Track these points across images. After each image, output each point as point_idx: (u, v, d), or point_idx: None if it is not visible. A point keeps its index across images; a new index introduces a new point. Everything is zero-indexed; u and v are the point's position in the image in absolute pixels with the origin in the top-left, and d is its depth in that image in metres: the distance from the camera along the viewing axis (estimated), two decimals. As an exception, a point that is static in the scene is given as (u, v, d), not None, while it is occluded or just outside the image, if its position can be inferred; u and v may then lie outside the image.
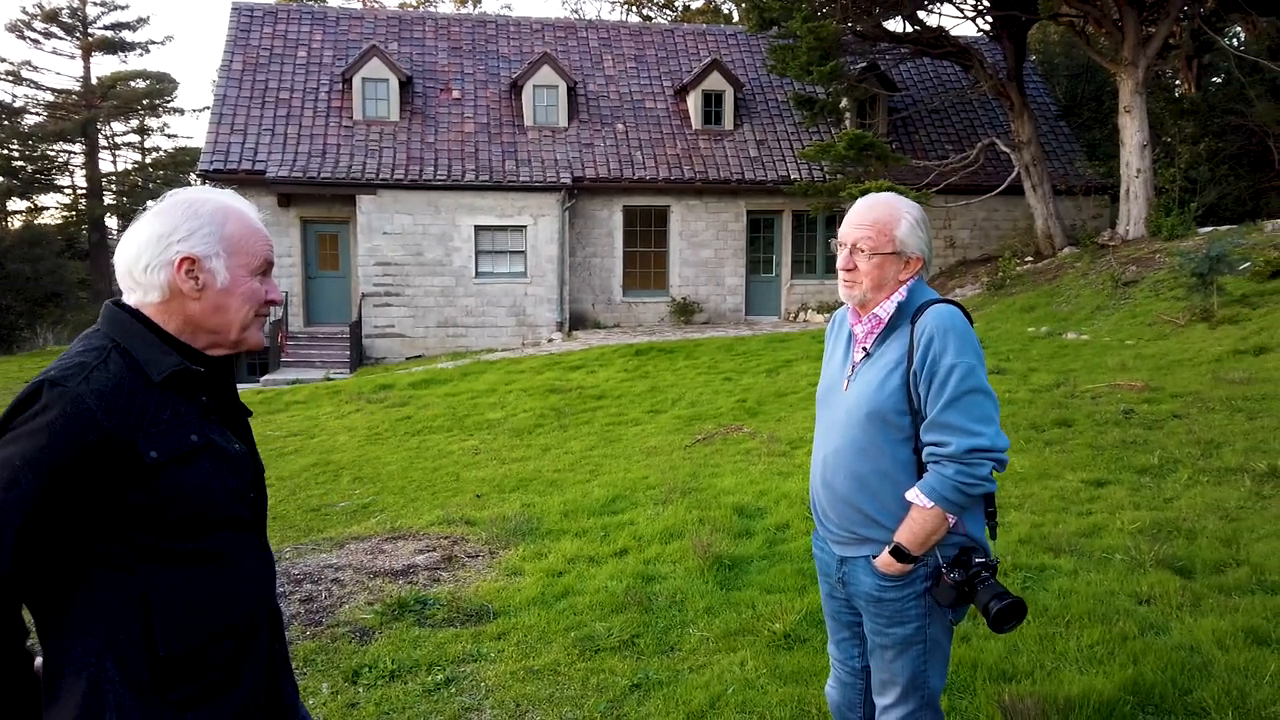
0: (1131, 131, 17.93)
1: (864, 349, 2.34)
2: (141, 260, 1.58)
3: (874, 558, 2.29)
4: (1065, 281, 16.07)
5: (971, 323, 2.29)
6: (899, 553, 2.23)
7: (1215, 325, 10.76)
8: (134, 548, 1.50)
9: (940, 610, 2.29)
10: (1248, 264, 12.69)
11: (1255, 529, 4.70)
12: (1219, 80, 26.01)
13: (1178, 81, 26.59)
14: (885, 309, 2.31)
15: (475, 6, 39.40)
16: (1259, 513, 4.97)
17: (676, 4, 37.56)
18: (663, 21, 34.44)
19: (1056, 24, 21.97)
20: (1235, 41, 24.82)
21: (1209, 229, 16.46)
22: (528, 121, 21.06)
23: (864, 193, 17.25)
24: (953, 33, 20.77)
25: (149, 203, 1.65)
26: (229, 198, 1.67)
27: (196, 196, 1.64)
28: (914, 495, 2.21)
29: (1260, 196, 21.76)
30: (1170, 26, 18.28)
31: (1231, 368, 8.56)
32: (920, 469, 2.24)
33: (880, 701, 2.39)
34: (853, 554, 2.35)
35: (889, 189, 17.24)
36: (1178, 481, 5.67)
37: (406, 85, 21.09)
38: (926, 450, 2.21)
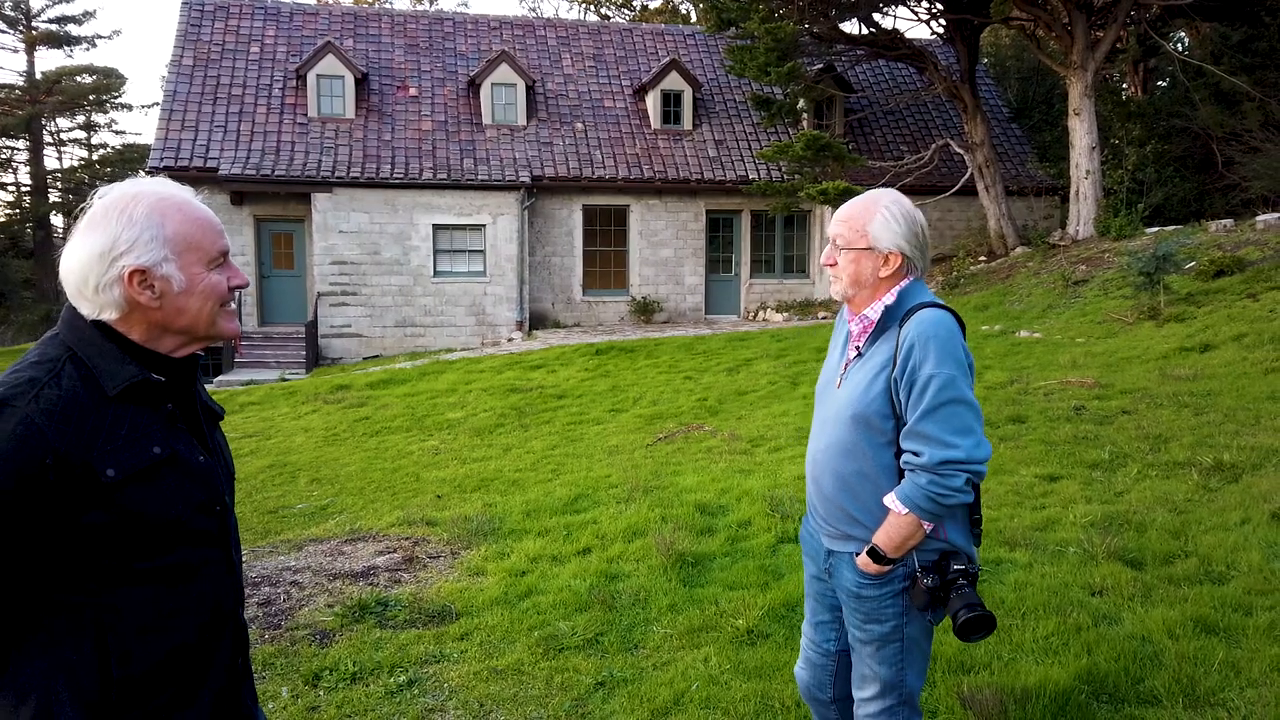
0: (1080, 134, 18.31)
1: (857, 348, 2.35)
2: (89, 282, 1.48)
3: (856, 555, 2.33)
4: (1017, 281, 16.36)
5: (964, 327, 2.27)
6: (875, 554, 2.26)
7: (1162, 323, 11.03)
8: (90, 567, 1.44)
9: (919, 611, 2.31)
10: (1193, 263, 13.02)
11: (1202, 521, 4.83)
12: (1165, 84, 26.65)
13: (1125, 85, 27.19)
14: (875, 310, 2.30)
15: (432, 3, 39.06)
16: (1206, 505, 5.10)
17: (635, 3, 37.56)
18: (621, 21, 34.43)
19: (1008, 28, 22.36)
20: (1180, 46, 25.44)
21: (1155, 229, 16.85)
22: (486, 120, 20.94)
23: (821, 193, 17.52)
24: (907, 35, 21.03)
25: (93, 197, 1.54)
26: (162, 188, 1.55)
27: (127, 196, 1.52)
28: (890, 500, 2.24)
29: (1204, 198, 22.33)
30: (1117, 31, 18.68)
31: (1178, 365, 8.77)
32: (901, 474, 2.26)
33: (858, 695, 2.43)
34: (838, 548, 2.40)
35: (846, 189, 17.42)
36: (1128, 476, 5.80)
37: (362, 82, 20.85)
38: (904, 458, 2.23)
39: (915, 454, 2.19)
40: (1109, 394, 7.90)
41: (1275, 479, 5.28)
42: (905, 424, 2.21)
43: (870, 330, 2.31)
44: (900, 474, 2.25)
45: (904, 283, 2.30)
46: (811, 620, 2.59)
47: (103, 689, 1.45)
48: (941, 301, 2.29)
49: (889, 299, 2.29)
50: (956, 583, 2.22)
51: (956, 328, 2.24)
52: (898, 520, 2.21)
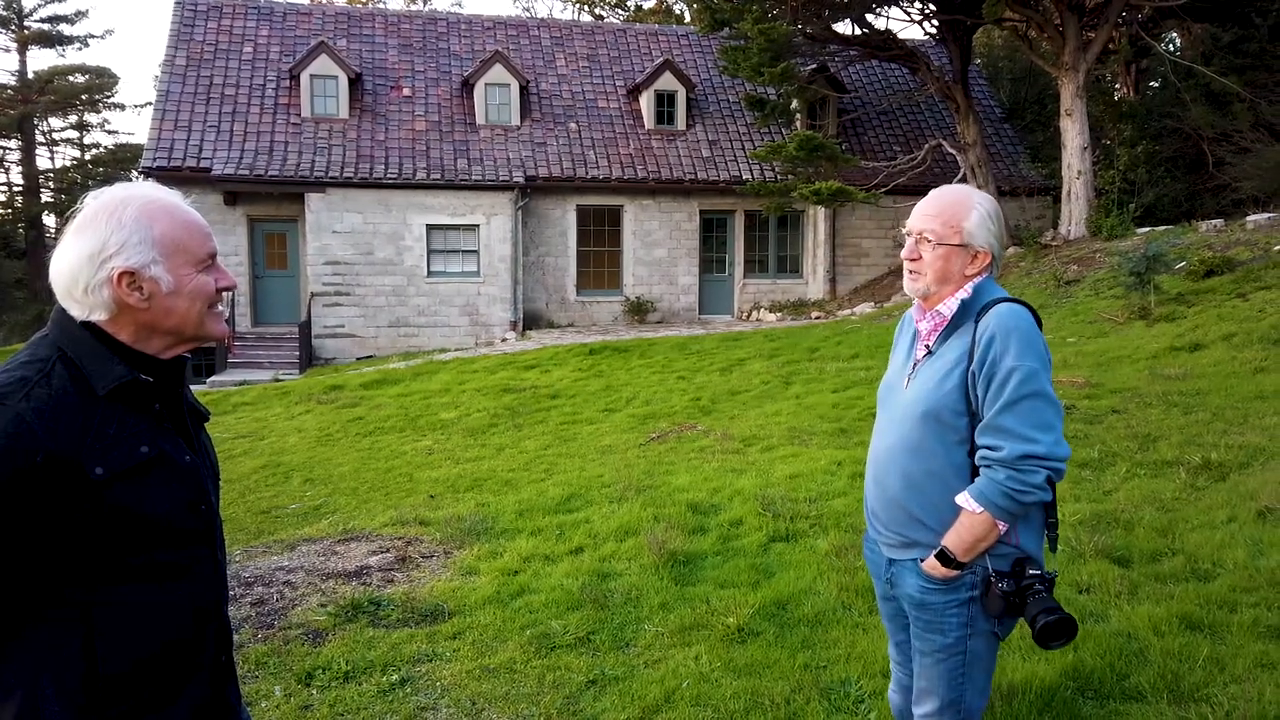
0: (1072, 134, 18.37)
1: (926, 346, 2.26)
2: (79, 283, 1.51)
3: (921, 560, 2.22)
4: (1010, 280, 16.42)
5: (1040, 324, 2.19)
6: (944, 557, 2.15)
7: (1153, 323, 11.08)
8: (79, 565, 1.46)
9: (985, 624, 2.20)
10: (1183, 263, 13.08)
11: (1189, 519, 4.86)
12: (1156, 85, 26.74)
13: (1117, 86, 27.29)
14: (949, 306, 2.22)
15: (426, 3, 39.04)
16: (1193, 504, 5.14)
17: (628, 4, 37.57)
18: (615, 21, 34.44)
19: (1000, 28, 22.41)
20: (1171, 47, 25.53)
21: (1147, 229, 16.92)
22: (480, 120, 20.94)
23: (815, 193, 17.54)
24: (900, 36, 21.09)
25: (83, 201, 1.56)
26: (151, 192, 1.58)
27: (117, 200, 1.54)
28: (963, 499, 2.14)
29: (1195, 198, 22.40)
30: (1109, 32, 18.75)
31: (1168, 364, 8.82)
32: (974, 473, 2.15)
33: (916, 711, 2.33)
34: (900, 556, 2.29)
35: (839, 189, 17.47)
36: (1116, 474, 5.84)
37: (356, 82, 20.84)
38: (979, 453, 2.12)
39: (993, 448, 2.08)
40: (1099, 393, 7.94)
41: (1262, 477, 5.32)
42: (981, 420, 2.11)
43: (942, 327, 2.23)
44: (971, 474, 2.15)
45: (979, 279, 2.23)
46: (893, 641, 2.50)
47: (88, 686, 1.46)
48: (1017, 297, 2.21)
49: (964, 294, 2.21)
50: (1033, 588, 2.09)
51: (1035, 323, 2.16)
52: (970, 520, 2.10)
